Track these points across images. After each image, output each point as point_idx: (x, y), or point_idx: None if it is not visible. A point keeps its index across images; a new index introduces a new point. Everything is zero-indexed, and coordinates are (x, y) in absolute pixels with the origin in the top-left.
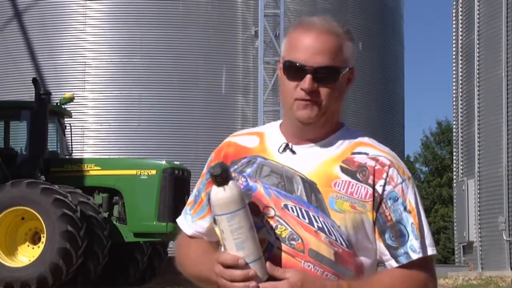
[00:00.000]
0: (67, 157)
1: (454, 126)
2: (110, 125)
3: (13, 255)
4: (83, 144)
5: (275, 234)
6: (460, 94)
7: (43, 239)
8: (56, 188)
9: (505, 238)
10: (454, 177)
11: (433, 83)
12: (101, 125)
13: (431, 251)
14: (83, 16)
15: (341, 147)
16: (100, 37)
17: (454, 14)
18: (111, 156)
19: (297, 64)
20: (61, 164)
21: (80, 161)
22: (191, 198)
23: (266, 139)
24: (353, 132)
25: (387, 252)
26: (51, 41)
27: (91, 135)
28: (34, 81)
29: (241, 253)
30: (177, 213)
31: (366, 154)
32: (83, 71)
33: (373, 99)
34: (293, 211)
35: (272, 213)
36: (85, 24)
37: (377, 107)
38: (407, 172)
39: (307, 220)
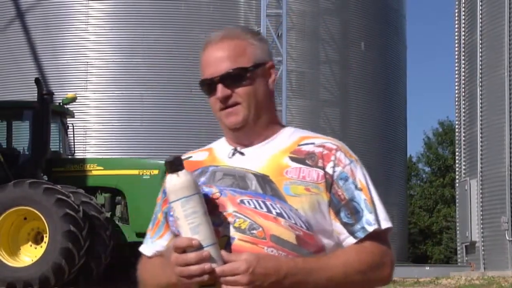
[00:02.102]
0: (69, 157)
1: (456, 126)
2: (112, 125)
3: (15, 255)
4: (85, 144)
5: (234, 228)
6: (463, 94)
7: (46, 239)
8: (59, 188)
9: (507, 238)
10: (457, 177)
11: (436, 83)
12: (103, 125)
13: (386, 224)
14: (86, 16)
15: (288, 141)
16: (102, 37)
17: (456, 14)
18: (113, 156)
19: (207, 79)
20: (64, 164)
21: (83, 161)
22: (149, 225)
23: (215, 151)
24: (298, 130)
25: (344, 231)
26: (54, 41)
27: (94, 135)
28: (37, 81)
29: (196, 237)
30: None
31: (313, 143)
32: (86, 71)
33: (375, 99)
34: (249, 204)
35: (229, 210)
36: (88, 24)
37: (379, 107)
38: (354, 155)
39: (265, 209)
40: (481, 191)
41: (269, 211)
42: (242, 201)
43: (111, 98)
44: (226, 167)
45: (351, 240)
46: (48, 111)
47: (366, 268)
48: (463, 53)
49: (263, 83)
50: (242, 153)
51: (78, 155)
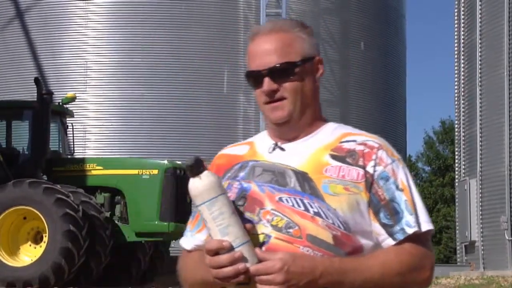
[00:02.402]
0: (69, 156)
1: (456, 126)
2: (111, 125)
3: (15, 255)
4: (85, 144)
5: (271, 226)
6: (462, 93)
7: (45, 239)
8: (58, 187)
9: (507, 237)
10: (456, 176)
11: (435, 83)
12: (102, 125)
13: (426, 226)
14: (85, 16)
15: (329, 138)
16: (101, 36)
17: (456, 14)
18: (113, 156)
19: (253, 71)
20: (63, 163)
21: (82, 160)
22: (190, 218)
23: (256, 145)
24: (341, 125)
25: (383, 231)
26: (53, 41)
27: (93, 135)
28: (36, 81)
29: (227, 239)
30: (179, 212)
31: (354, 141)
32: (85, 71)
33: (375, 98)
34: (288, 202)
35: (267, 207)
36: (87, 24)
37: (379, 106)
38: (396, 154)
39: (302, 208)
40: (480, 190)
41: (306, 210)
42: (280, 199)
43: (111, 97)
44: (266, 163)
45: (390, 242)
46: (47, 111)
47: (405, 270)
48: (462, 53)
49: (310, 78)
50: (282, 149)
51: (78, 154)
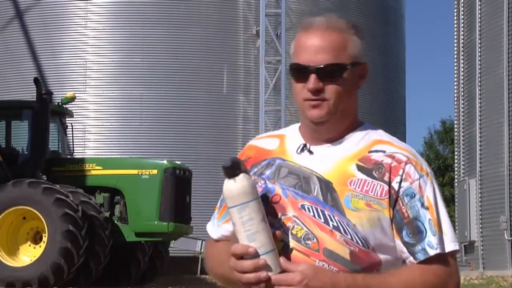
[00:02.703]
0: (68, 156)
1: (455, 126)
2: (111, 125)
3: (14, 255)
4: (84, 144)
5: (291, 234)
6: (462, 93)
7: (45, 239)
8: (58, 187)
9: (506, 237)
10: (456, 176)
11: (435, 83)
12: (102, 125)
13: (451, 247)
14: (84, 16)
15: (359, 145)
16: (101, 36)
17: (455, 14)
18: (112, 156)
19: (301, 66)
20: (63, 164)
21: (82, 160)
22: (218, 203)
23: (286, 141)
24: (373, 130)
25: (405, 250)
26: (52, 41)
27: (92, 135)
28: (36, 81)
29: (253, 245)
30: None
31: (383, 151)
32: (85, 71)
33: (374, 98)
34: (309, 211)
35: (289, 213)
36: (86, 24)
37: (378, 106)
38: (426, 168)
39: (322, 220)
40: (480, 190)
41: (326, 222)
42: (302, 206)
43: (110, 97)
44: (293, 165)
45: (412, 260)
46: (47, 111)
47: None
48: (462, 53)
49: (355, 83)
50: (311, 152)
51: (77, 154)
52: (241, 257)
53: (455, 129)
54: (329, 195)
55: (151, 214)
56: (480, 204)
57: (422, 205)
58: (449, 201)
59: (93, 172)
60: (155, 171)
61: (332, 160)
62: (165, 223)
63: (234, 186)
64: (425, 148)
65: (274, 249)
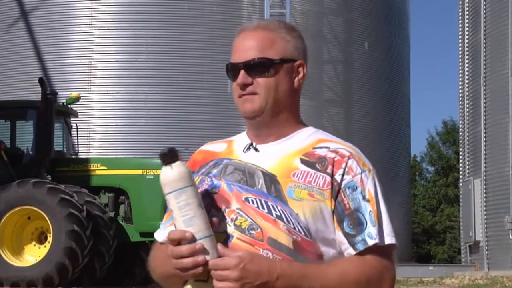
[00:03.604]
0: (73, 156)
1: (460, 126)
2: (116, 125)
3: (19, 255)
4: (89, 144)
5: (235, 225)
6: (466, 93)
7: (49, 239)
8: (62, 187)
9: (511, 237)
10: (460, 176)
11: (439, 83)
12: (107, 125)
13: (389, 240)
14: (90, 16)
15: (304, 142)
16: (106, 37)
17: (460, 14)
18: (117, 156)
19: (232, 64)
20: (67, 163)
21: (86, 160)
22: (166, 211)
23: (234, 143)
24: (318, 131)
25: (345, 241)
26: (58, 41)
27: (97, 135)
28: (41, 81)
29: (190, 230)
30: None
31: (327, 148)
32: (89, 71)
33: (379, 98)
34: (253, 203)
35: (233, 206)
36: (92, 24)
37: (383, 106)
38: (368, 164)
39: (266, 210)
40: (485, 190)
41: (270, 212)
42: (246, 199)
43: (115, 97)
44: (238, 162)
45: (351, 251)
46: (52, 111)
47: (363, 281)
48: (467, 53)
49: (287, 79)
50: (257, 149)
51: (82, 154)
52: (178, 243)
53: (460, 129)
54: (273, 187)
55: (156, 214)
56: (485, 204)
57: (364, 197)
58: (454, 202)
59: (97, 172)
60: (159, 171)
61: (276, 155)
62: None
63: (170, 173)
64: (428, 148)
65: (211, 234)
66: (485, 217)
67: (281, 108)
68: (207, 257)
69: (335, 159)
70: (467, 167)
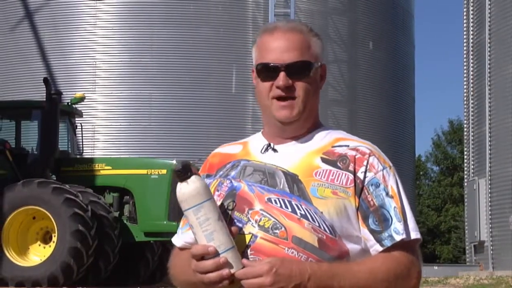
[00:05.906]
0: (77, 156)
1: (465, 125)
2: (120, 125)
3: (24, 255)
4: (93, 144)
5: (258, 226)
6: (471, 93)
7: (54, 239)
8: (67, 187)
9: None
10: (465, 176)
11: (444, 82)
12: (111, 125)
13: (414, 235)
14: (94, 16)
15: (322, 142)
16: (110, 36)
17: (465, 13)
18: (121, 156)
19: (270, 65)
20: (72, 163)
21: (91, 160)
22: (183, 216)
23: (249, 144)
24: (334, 130)
25: (371, 237)
26: (62, 41)
27: (102, 135)
28: (45, 80)
29: (212, 244)
30: None
31: (347, 146)
32: (94, 71)
33: (383, 98)
34: (276, 203)
35: (256, 208)
36: (96, 24)
37: (387, 106)
38: (388, 161)
39: (289, 209)
40: (489, 190)
41: (293, 211)
42: (269, 199)
43: (120, 97)
44: (257, 163)
45: (378, 248)
46: (56, 111)
47: (391, 277)
48: (471, 52)
49: (318, 82)
50: (275, 150)
51: (86, 154)
52: (201, 258)
53: (465, 129)
54: (296, 186)
55: (160, 214)
56: (489, 204)
57: (387, 194)
58: (458, 201)
59: (102, 172)
60: (164, 171)
61: (296, 155)
62: (174, 223)
63: (187, 189)
64: (434, 148)
65: (234, 246)
66: (490, 216)
67: (311, 111)
68: (232, 270)
69: (356, 156)
70: (472, 166)
